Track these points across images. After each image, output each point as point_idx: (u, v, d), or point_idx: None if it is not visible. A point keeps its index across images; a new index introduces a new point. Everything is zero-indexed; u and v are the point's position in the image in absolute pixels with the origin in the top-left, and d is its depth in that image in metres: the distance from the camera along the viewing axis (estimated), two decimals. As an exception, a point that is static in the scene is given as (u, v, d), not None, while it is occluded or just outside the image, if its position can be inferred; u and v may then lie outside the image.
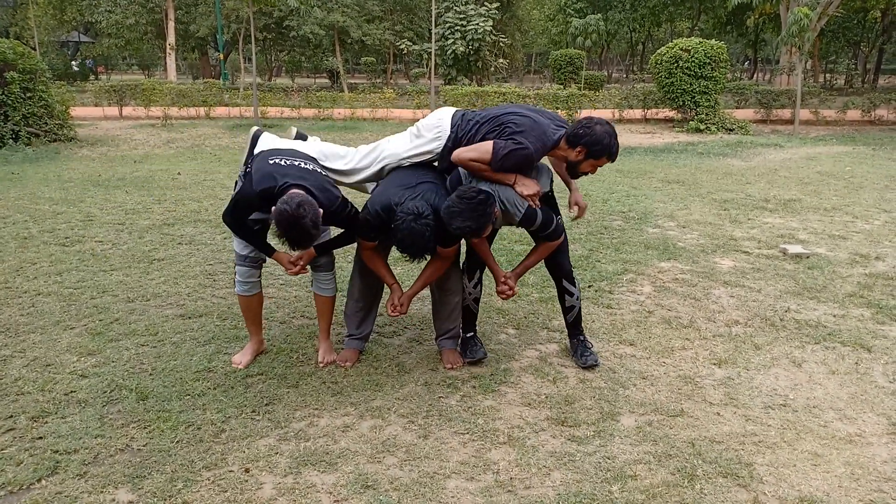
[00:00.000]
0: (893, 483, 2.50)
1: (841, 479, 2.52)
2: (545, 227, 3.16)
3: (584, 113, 17.80)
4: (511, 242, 5.54)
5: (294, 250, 3.01)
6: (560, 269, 3.44)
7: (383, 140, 3.37)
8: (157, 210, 6.63)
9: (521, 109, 3.15)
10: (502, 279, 3.33)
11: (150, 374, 3.21)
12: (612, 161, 3.16)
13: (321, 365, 3.34)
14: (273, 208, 2.77)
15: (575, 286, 3.47)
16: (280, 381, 3.18)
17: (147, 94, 16.64)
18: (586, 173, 3.20)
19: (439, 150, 3.21)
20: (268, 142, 3.28)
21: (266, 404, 2.96)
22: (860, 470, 2.58)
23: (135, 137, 12.96)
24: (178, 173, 8.90)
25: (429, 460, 2.59)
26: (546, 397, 3.10)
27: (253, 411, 2.90)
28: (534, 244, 3.37)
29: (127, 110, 17.23)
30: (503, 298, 3.42)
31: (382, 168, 3.29)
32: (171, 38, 27.21)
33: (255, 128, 3.48)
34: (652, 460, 2.61)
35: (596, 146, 3.05)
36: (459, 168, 3.15)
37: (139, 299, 4.21)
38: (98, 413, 2.86)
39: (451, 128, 3.19)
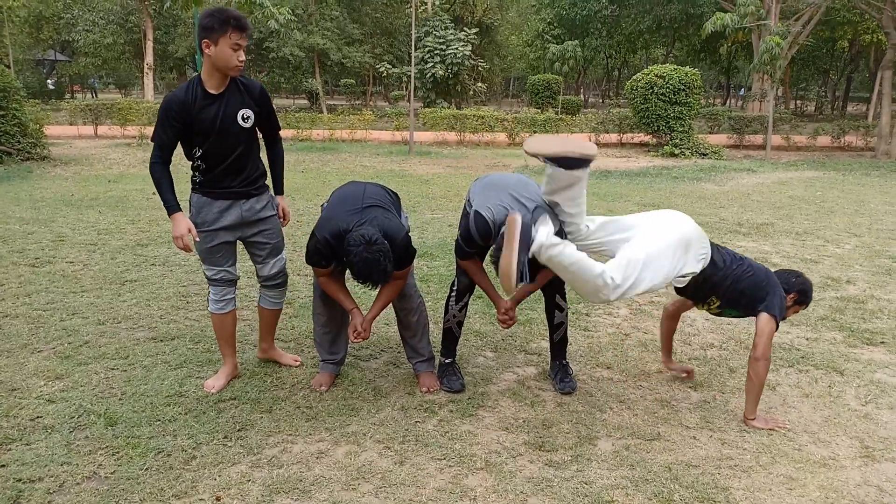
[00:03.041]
0: (867, 507, 2.51)
1: (815, 503, 2.52)
2: None
3: (562, 135, 17.97)
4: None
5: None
6: (554, 283, 3.42)
7: (642, 239, 2.95)
8: (130, 230, 6.54)
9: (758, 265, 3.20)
10: (503, 309, 3.27)
11: (120, 399, 3.14)
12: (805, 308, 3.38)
13: (259, 356, 3.52)
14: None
15: (566, 301, 3.47)
16: (253, 405, 3.12)
17: (123, 113, 16.52)
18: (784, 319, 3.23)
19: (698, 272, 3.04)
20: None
21: (238, 430, 2.90)
22: (834, 494, 2.59)
23: (110, 157, 12.83)
24: (153, 193, 8.77)
25: (405, 487, 2.55)
26: (524, 421, 3.08)
27: (225, 437, 2.84)
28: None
29: (102, 129, 17.08)
30: (504, 328, 3.40)
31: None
32: (149, 58, 27.05)
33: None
34: (629, 485, 2.60)
35: (807, 294, 3.24)
36: (479, 210, 3.07)
37: (110, 321, 4.12)
38: (65, 439, 2.77)
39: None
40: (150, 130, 15.99)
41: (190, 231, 3.01)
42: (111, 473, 2.56)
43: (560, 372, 3.48)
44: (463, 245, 3.19)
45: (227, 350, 3.35)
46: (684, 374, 3.60)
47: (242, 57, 2.92)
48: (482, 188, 3.23)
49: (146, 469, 2.59)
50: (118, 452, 2.69)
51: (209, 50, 2.87)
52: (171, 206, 3.01)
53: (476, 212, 3.08)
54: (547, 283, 3.38)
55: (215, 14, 2.86)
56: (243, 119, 3.05)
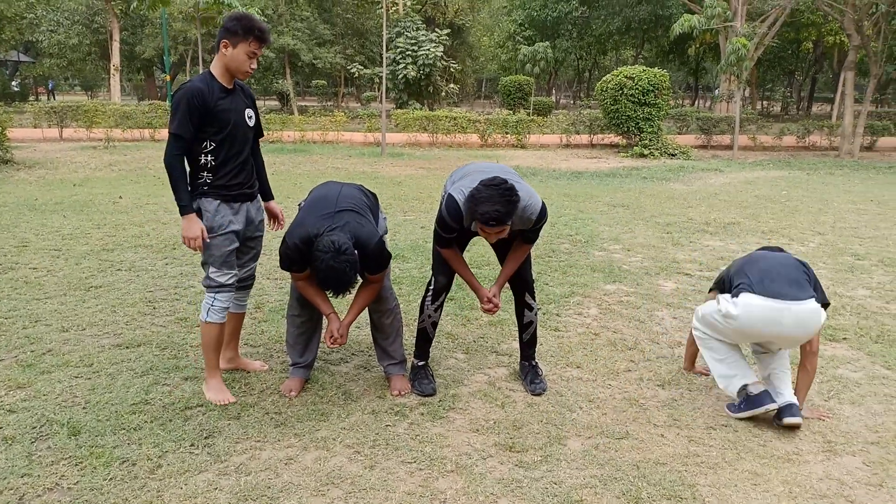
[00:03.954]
0: (828, 500, 2.56)
1: (780, 498, 2.57)
2: (540, 220, 3.17)
3: (533, 138, 18.10)
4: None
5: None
6: (523, 281, 3.44)
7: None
8: (95, 235, 6.42)
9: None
10: (486, 297, 3.31)
11: (84, 408, 3.08)
12: None
13: (222, 367, 3.39)
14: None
15: (535, 301, 3.50)
16: (221, 412, 3.08)
17: (89, 115, 16.22)
18: None
19: None
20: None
21: (205, 437, 2.86)
22: (797, 488, 2.64)
23: (75, 160, 12.59)
24: (120, 197, 8.66)
25: (374, 492, 2.54)
26: (494, 423, 3.09)
27: (191, 445, 2.80)
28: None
29: (68, 132, 16.75)
30: (490, 315, 3.47)
31: None
32: (115, 59, 26.60)
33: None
34: (598, 484, 2.62)
35: None
36: (451, 193, 3.12)
37: (74, 328, 4.04)
38: (26, 450, 2.71)
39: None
40: (116, 133, 15.76)
41: (202, 233, 3.00)
42: (74, 484, 2.51)
43: (530, 373, 3.49)
44: (440, 231, 3.19)
45: (218, 360, 3.25)
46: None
47: (255, 65, 3.05)
48: (461, 175, 3.28)
49: (110, 479, 2.55)
50: (82, 462, 2.64)
51: (226, 51, 2.98)
52: (186, 206, 2.98)
53: (449, 195, 3.12)
54: (517, 281, 3.42)
55: (242, 20, 2.97)
56: (248, 117, 3.16)
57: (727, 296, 3.19)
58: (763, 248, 3.57)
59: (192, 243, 2.99)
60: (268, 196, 3.45)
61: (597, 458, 2.80)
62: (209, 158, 3.03)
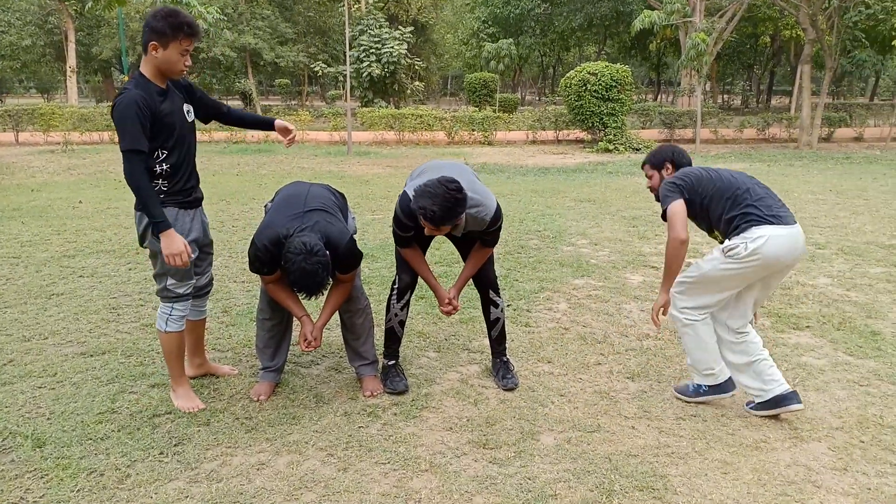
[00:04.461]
0: (796, 486, 2.62)
1: (749, 486, 2.62)
2: (494, 223, 3.16)
3: (499, 135, 18.18)
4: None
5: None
6: (487, 279, 3.46)
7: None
8: (55, 241, 6.26)
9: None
10: (446, 299, 3.32)
11: (48, 419, 3.00)
12: None
13: (192, 373, 3.35)
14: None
15: (500, 297, 3.51)
16: (190, 419, 3.03)
17: (46, 118, 15.83)
18: None
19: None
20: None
21: (175, 445, 2.81)
22: (766, 475, 2.69)
23: (32, 164, 12.26)
24: (80, 201, 8.46)
25: (349, 494, 2.52)
26: (468, 420, 3.09)
27: (161, 453, 2.75)
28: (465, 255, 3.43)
29: (24, 136, 16.33)
30: (448, 316, 3.45)
31: None
32: (71, 61, 25.98)
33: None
34: (571, 478, 2.64)
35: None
36: (406, 191, 3.10)
37: (36, 338, 3.94)
38: (-13, 465, 2.64)
39: None
40: (74, 136, 15.39)
41: (186, 247, 2.85)
42: (40, 497, 2.45)
43: (502, 369, 3.51)
44: (397, 230, 3.19)
45: (182, 368, 3.17)
46: None
47: (189, 62, 2.89)
48: (419, 173, 3.28)
49: (78, 490, 2.49)
50: (47, 475, 2.58)
51: (156, 52, 2.79)
52: (164, 222, 2.79)
53: (404, 192, 3.12)
54: (480, 279, 3.44)
55: (168, 17, 2.75)
56: (187, 113, 3.02)
57: (728, 241, 3.06)
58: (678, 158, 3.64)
59: (178, 260, 2.82)
60: (267, 123, 3.39)
61: (569, 452, 2.82)
62: (164, 167, 2.91)
